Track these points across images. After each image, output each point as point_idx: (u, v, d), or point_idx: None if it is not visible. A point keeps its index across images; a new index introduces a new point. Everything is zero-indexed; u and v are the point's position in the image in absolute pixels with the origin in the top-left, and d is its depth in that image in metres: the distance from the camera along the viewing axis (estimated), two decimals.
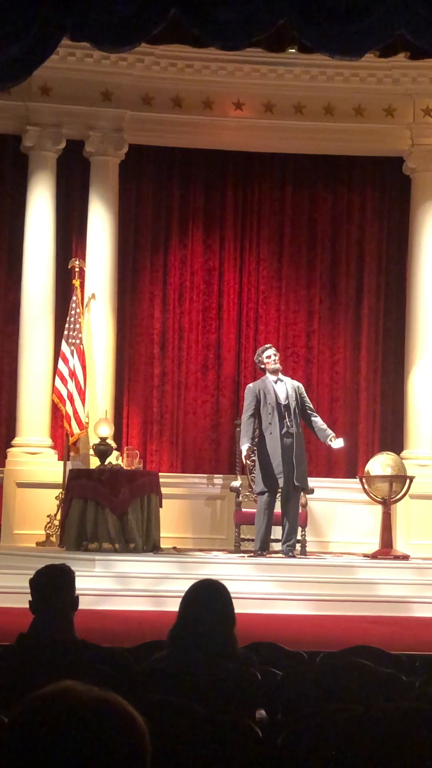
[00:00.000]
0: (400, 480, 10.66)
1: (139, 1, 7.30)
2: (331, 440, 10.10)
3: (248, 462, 10.63)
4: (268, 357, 10.34)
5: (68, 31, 7.57)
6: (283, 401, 10.15)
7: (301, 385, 10.48)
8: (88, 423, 11.02)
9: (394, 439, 11.88)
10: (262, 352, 10.45)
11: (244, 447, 10.14)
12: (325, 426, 10.21)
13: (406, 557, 10.41)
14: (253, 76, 11.69)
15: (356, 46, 7.61)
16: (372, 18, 7.32)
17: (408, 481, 10.66)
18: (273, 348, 10.51)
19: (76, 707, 1.50)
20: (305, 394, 10.40)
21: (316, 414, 10.33)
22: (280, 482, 9.96)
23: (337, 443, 10.11)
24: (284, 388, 10.24)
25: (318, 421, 10.24)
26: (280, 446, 10.00)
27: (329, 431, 10.17)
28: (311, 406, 10.38)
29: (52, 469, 11.15)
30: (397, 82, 11.70)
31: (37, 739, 1.48)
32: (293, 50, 10.69)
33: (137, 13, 7.31)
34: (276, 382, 10.26)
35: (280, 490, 10.06)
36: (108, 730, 1.49)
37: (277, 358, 10.37)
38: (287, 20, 7.49)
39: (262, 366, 10.39)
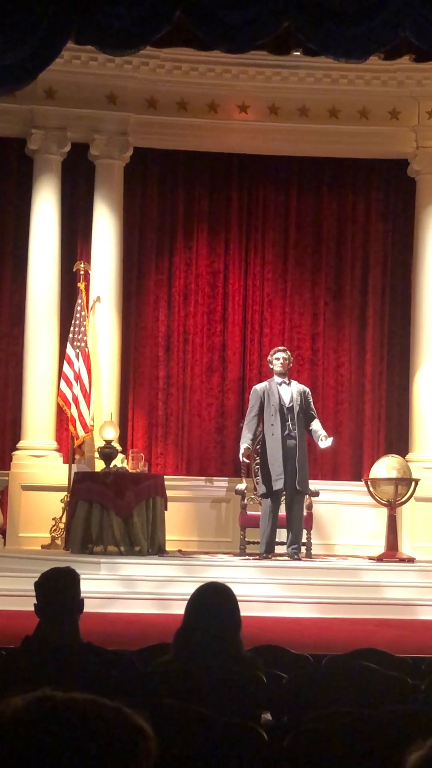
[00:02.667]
0: (405, 482, 10.65)
1: (144, 4, 7.30)
2: (321, 440, 10.10)
3: (245, 460, 10.49)
4: (277, 359, 10.35)
5: (73, 34, 7.59)
6: (287, 404, 10.15)
7: (308, 390, 10.46)
8: (93, 426, 11.02)
9: (399, 441, 11.87)
10: (273, 353, 10.47)
11: (243, 446, 10.16)
12: (319, 427, 10.19)
13: (411, 560, 10.40)
14: (257, 78, 11.69)
15: (361, 48, 7.62)
16: (376, 21, 7.32)
17: (413, 483, 10.65)
18: (286, 352, 10.49)
19: (58, 716, 1.41)
20: (311, 400, 10.39)
21: (316, 417, 10.32)
22: (279, 484, 9.95)
23: (326, 443, 10.09)
24: (289, 391, 10.23)
25: (315, 422, 10.23)
26: (282, 448, 10.00)
27: (321, 432, 10.14)
28: (315, 411, 10.36)
29: (57, 472, 11.16)
30: (402, 85, 11.70)
31: (18, 752, 1.40)
32: (298, 53, 10.72)
33: (142, 16, 7.32)
34: (281, 385, 10.26)
35: (284, 492, 10.06)
36: (97, 739, 1.40)
37: (286, 362, 10.35)
38: (292, 23, 7.50)
39: (271, 366, 10.41)
